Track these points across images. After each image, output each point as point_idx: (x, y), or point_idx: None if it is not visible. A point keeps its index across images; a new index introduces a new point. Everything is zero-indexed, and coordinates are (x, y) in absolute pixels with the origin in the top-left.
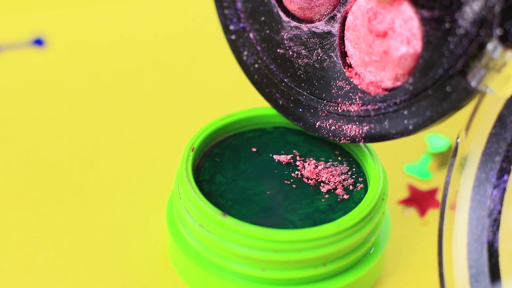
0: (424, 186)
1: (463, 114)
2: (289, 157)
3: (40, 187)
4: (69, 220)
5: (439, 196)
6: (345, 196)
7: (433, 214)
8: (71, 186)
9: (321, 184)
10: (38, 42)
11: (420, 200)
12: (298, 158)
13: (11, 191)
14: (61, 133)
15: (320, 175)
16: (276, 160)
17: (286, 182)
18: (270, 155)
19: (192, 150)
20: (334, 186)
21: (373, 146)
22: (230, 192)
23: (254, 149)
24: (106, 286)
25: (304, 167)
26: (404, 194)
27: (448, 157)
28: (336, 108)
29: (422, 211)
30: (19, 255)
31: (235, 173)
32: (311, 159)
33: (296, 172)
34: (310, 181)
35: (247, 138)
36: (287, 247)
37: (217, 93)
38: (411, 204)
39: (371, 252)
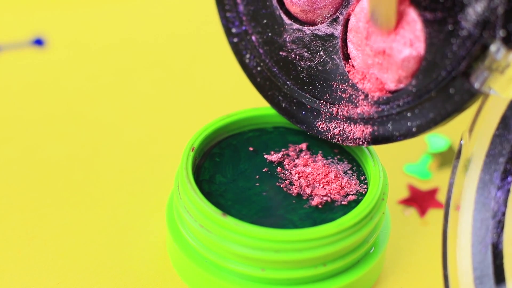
0: (424, 186)
1: (466, 115)
2: (280, 155)
3: (40, 187)
4: (69, 220)
5: (439, 196)
6: (344, 202)
7: (433, 214)
8: (71, 186)
9: (315, 190)
10: (38, 42)
11: (420, 200)
12: (292, 157)
13: (11, 191)
14: (61, 133)
15: (314, 180)
16: (268, 160)
17: (277, 184)
18: (264, 154)
19: (192, 150)
20: (328, 193)
21: (374, 146)
22: (230, 192)
23: (251, 149)
24: (106, 286)
25: (296, 165)
26: (404, 194)
27: (448, 157)
28: (339, 110)
29: (422, 211)
30: (19, 255)
31: (235, 173)
32: (306, 157)
33: (286, 173)
34: (301, 186)
35: (247, 138)
36: (287, 247)
37: (217, 93)
38: (411, 204)
39: (371, 252)
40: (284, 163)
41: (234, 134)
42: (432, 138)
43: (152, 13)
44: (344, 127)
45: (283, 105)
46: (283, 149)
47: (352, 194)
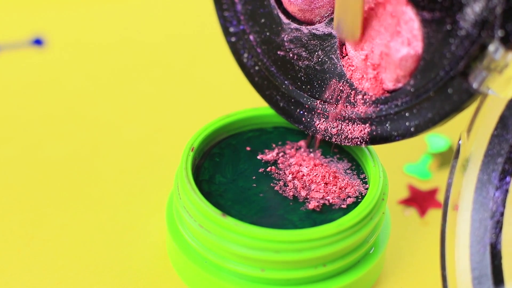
0: (424, 186)
1: (464, 115)
2: (274, 153)
3: (40, 187)
4: (69, 220)
5: (439, 196)
6: (343, 206)
7: (433, 214)
8: (71, 186)
9: (312, 191)
10: (38, 42)
11: (420, 200)
12: (289, 155)
13: (11, 191)
14: (61, 133)
15: (310, 180)
16: (263, 160)
17: (272, 185)
18: (259, 154)
19: (192, 150)
20: (325, 196)
21: (373, 146)
22: (230, 192)
23: (248, 148)
24: (106, 286)
25: (290, 164)
26: (404, 194)
27: (448, 157)
28: (337, 110)
29: (422, 211)
30: (19, 255)
31: (234, 173)
32: (304, 155)
33: (280, 172)
34: (296, 188)
35: (247, 138)
36: (287, 247)
37: (217, 93)
38: (411, 204)
39: (371, 252)
40: (279, 162)
41: (233, 134)
42: (432, 138)
43: (151, 14)
44: (342, 126)
45: (281, 104)
46: (279, 147)
47: (352, 197)
